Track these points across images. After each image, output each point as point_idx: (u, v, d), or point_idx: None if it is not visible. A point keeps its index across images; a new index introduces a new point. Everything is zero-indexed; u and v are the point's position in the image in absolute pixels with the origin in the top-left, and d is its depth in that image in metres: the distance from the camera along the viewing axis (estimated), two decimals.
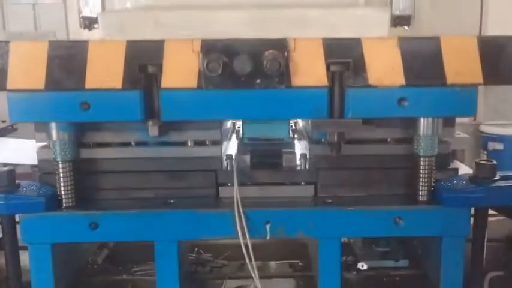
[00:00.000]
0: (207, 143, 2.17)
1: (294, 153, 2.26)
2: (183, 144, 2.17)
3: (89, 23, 2.43)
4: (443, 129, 2.08)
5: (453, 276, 2.09)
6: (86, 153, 2.14)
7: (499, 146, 6.72)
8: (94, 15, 2.48)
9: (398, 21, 2.35)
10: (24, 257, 2.10)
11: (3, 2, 7.46)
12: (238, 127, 2.50)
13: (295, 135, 2.57)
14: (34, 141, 2.20)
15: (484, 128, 6.78)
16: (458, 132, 3.06)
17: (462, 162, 2.87)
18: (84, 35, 2.64)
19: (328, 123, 1.99)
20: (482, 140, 6.81)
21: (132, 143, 2.17)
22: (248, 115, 2.05)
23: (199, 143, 2.17)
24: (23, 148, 2.84)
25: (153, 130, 2.00)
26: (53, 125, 2.01)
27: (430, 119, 2.02)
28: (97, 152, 2.16)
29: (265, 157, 2.24)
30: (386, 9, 2.45)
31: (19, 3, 7.53)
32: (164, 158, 2.16)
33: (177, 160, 2.16)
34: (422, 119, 2.02)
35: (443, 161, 2.16)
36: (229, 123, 2.62)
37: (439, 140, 2.08)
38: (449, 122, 2.15)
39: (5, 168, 2.08)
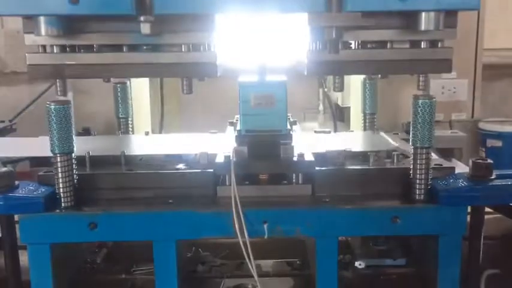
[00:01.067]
0: (201, 48, 2.13)
1: (291, 144, 2.26)
2: (176, 49, 2.11)
3: None
4: (444, 30, 2.02)
5: (450, 274, 2.11)
6: (75, 58, 2.08)
7: (498, 143, 6.73)
8: None
9: None
10: (24, 257, 2.11)
11: None
12: (236, 120, 2.50)
13: (293, 128, 2.58)
14: (32, 138, 2.20)
15: (483, 125, 6.79)
16: (455, 131, 3.08)
17: (460, 159, 2.89)
18: None
19: (325, 16, 1.94)
20: (481, 137, 6.81)
21: (124, 49, 2.11)
22: (242, 8, 1.97)
23: (193, 48, 2.11)
24: (21, 144, 2.86)
25: (145, 27, 1.94)
26: (41, 19, 1.94)
27: (431, 14, 1.95)
28: (87, 56, 2.10)
29: (263, 149, 2.24)
30: None
31: None
32: (157, 64, 2.11)
33: (170, 66, 2.10)
34: (423, 14, 1.96)
35: (444, 66, 2.10)
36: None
37: (439, 44, 2.06)
38: (450, 22, 2.05)
39: (4, 169, 2.10)
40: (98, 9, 1.89)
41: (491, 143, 6.71)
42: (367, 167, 2.26)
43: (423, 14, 1.96)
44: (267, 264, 2.54)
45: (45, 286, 2.08)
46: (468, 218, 2.12)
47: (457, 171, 2.25)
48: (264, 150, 2.24)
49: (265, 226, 2.04)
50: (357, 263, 2.32)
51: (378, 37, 2.11)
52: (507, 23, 6.29)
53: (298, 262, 2.56)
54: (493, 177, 2.08)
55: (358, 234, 2.36)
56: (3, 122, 3.66)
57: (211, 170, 2.20)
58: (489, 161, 2.11)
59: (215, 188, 2.18)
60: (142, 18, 1.92)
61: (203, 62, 2.11)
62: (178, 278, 2.11)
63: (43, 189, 2.08)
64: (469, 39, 4.58)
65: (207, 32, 2.09)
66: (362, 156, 2.36)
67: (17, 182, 2.08)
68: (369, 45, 2.14)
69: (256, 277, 1.98)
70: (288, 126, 2.38)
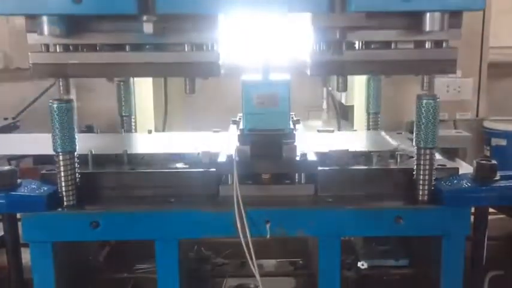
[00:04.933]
0: (204, 48, 2.11)
1: (294, 143, 2.25)
2: (180, 49, 2.10)
3: None
4: (449, 31, 1.99)
5: (453, 275, 2.10)
6: (78, 57, 2.08)
7: (503, 142, 6.69)
8: None
9: None
10: (26, 255, 2.11)
11: None
12: (239, 118, 2.50)
13: (296, 127, 2.57)
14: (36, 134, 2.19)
15: (488, 124, 6.76)
16: (460, 131, 3.06)
17: (464, 159, 2.87)
18: None
19: (329, 17, 1.93)
20: (486, 135, 6.78)
21: (127, 48, 2.10)
22: (245, 8, 1.95)
23: (196, 48, 2.10)
24: (25, 141, 2.86)
25: (147, 27, 1.93)
26: (44, 19, 1.93)
27: (436, 14, 1.93)
28: (90, 56, 2.09)
29: (266, 148, 2.23)
30: None
31: None
32: (159, 64, 2.10)
33: (173, 66, 2.10)
34: (428, 14, 1.94)
35: (449, 66, 2.08)
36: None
37: (444, 44, 2.04)
38: (455, 22, 2.02)
39: (7, 167, 2.10)
40: (101, 9, 1.89)
41: (496, 141, 6.67)
42: (371, 167, 2.25)
43: (427, 14, 1.94)
44: (270, 263, 2.54)
45: (47, 284, 2.08)
46: (472, 218, 2.11)
47: (461, 171, 2.24)
48: (267, 150, 2.23)
49: (268, 226, 2.03)
50: (359, 263, 2.32)
51: (381, 37, 2.09)
52: None
53: (300, 262, 2.55)
54: (497, 178, 2.07)
55: (361, 234, 2.36)
56: (6, 119, 3.66)
57: (214, 169, 2.19)
58: (493, 161, 2.09)
59: (217, 187, 2.18)
60: (145, 18, 1.92)
61: (206, 61, 2.09)
62: (180, 277, 2.10)
63: (45, 188, 2.08)
64: (474, 37, 4.53)
65: (210, 32, 2.07)
66: (365, 156, 2.35)
67: (19, 180, 2.08)
68: (372, 46, 2.12)
69: (258, 277, 1.98)
70: (291, 126, 2.37)
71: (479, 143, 6.78)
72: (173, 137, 2.96)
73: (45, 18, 1.93)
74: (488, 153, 6.70)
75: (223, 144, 2.42)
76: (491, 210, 2.23)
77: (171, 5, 1.90)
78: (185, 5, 1.90)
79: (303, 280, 2.41)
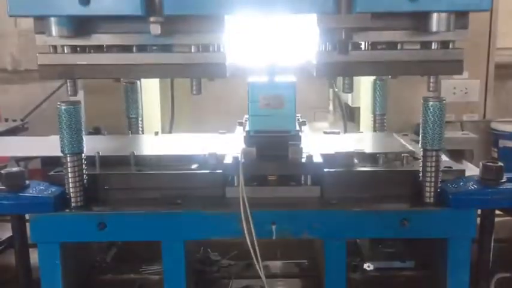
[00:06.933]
0: (210, 49, 2.12)
1: (300, 145, 2.26)
2: (186, 50, 2.11)
3: None
4: (456, 31, 1.98)
5: (460, 277, 2.09)
6: (85, 59, 2.09)
7: (510, 144, 6.67)
8: None
9: None
10: (34, 255, 2.13)
11: None
12: (246, 120, 2.51)
13: (302, 128, 2.57)
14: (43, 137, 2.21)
15: (495, 125, 6.73)
16: (466, 132, 3.06)
17: (471, 161, 2.86)
18: None
19: (334, 18, 1.93)
20: (493, 137, 6.75)
21: (134, 49, 2.11)
22: (252, 9, 1.94)
23: (202, 49, 2.11)
24: (33, 144, 2.89)
25: (154, 28, 1.94)
26: (52, 20, 1.95)
27: (442, 15, 1.92)
28: (97, 57, 2.11)
29: (271, 150, 2.24)
30: None
31: None
32: (166, 65, 2.11)
33: (180, 67, 2.11)
34: (434, 15, 1.93)
35: (456, 67, 2.08)
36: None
37: (450, 45, 2.03)
38: (461, 23, 2.01)
39: (15, 168, 2.12)
40: (108, 10, 1.90)
41: (503, 143, 6.64)
42: (376, 169, 2.25)
43: (434, 14, 1.93)
44: (276, 265, 2.55)
45: (54, 284, 2.10)
46: (478, 220, 2.10)
47: (467, 173, 2.24)
48: (273, 151, 2.24)
49: (273, 227, 2.04)
50: (365, 265, 2.32)
51: (387, 38, 2.08)
52: None
53: (306, 263, 2.55)
54: (503, 180, 2.06)
55: (367, 236, 2.35)
56: (15, 121, 3.68)
57: (220, 171, 2.20)
58: (500, 163, 2.09)
59: (224, 188, 2.19)
60: (152, 19, 1.93)
61: (212, 62, 2.10)
62: (186, 278, 2.12)
63: (53, 189, 2.10)
64: (481, 38, 4.51)
65: (217, 33, 2.08)
66: (371, 158, 2.35)
67: (27, 182, 2.10)
68: (378, 46, 2.12)
69: (263, 278, 1.98)
70: (297, 127, 2.38)
71: (487, 145, 6.75)
72: (180, 138, 2.97)
73: (53, 20, 1.95)
74: (496, 155, 6.67)
75: (229, 145, 2.43)
76: (498, 212, 2.22)
77: (178, 6, 1.90)
78: (192, 6, 1.90)
79: (309, 282, 2.41)
